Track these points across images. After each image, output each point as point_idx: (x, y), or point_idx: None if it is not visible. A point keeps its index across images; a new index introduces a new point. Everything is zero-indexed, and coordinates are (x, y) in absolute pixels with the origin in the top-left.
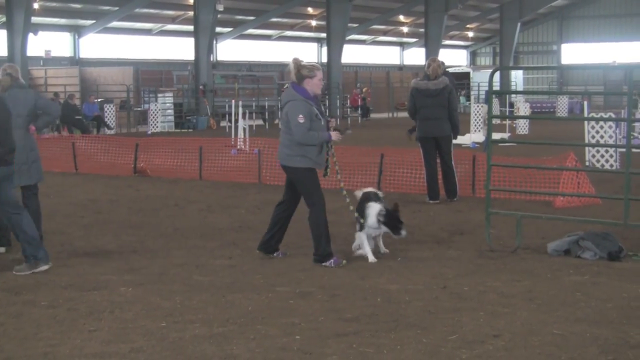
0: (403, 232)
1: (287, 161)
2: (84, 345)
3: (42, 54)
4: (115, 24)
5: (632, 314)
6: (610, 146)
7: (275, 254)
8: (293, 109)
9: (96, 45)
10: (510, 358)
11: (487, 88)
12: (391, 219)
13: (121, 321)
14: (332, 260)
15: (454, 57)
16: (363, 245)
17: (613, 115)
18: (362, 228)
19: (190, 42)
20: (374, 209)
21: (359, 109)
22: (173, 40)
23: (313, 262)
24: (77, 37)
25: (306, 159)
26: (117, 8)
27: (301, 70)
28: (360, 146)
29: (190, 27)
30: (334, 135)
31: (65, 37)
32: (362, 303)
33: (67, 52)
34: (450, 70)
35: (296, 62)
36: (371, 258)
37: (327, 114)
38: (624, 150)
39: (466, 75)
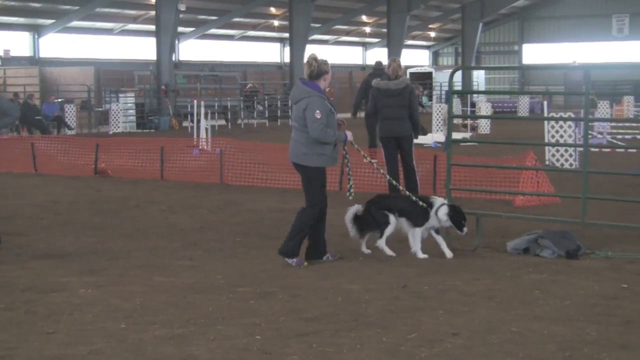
0: (465, 229)
1: (303, 160)
2: (42, 347)
3: (0, 53)
4: (75, 23)
5: (589, 311)
6: (569, 145)
7: (324, 258)
8: (311, 105)
9: (56, 45)
10: (469, 356)
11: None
12: (458, 215)
13: (80, 323)
14: (295, 260)
15: (416, 57)
16: (417, 241)
17: (572, 115)
18: (416, 225)
19: (152, 41)
20: (442, 203)
21: None
22: (135, 40)
23: (277, 252)
24: (36, 36)
25: (324, 157)
26: (77, 7)
27: (321, 66)
28: None
29: (152, 27)
30: (350, 135)
31: (25, 36)
32: (322, 303)
33: (26, 52)
34: (412, 70)
35: (315, 57)
36: (422, 255)
37: (290, 113)
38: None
39: (428, 75)
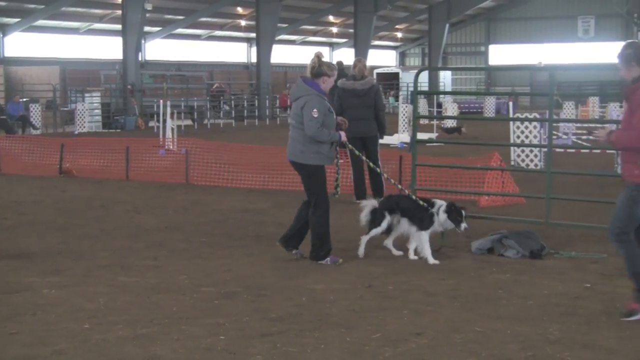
0: (464, 224)
1: (300, 158)
2: (4, 348)
3: None
4: (41, 22)
5: (552, 310)
6: (534, 146)
7: (294, 252)
8: (309, 103)
9: (22, 44)
10: (432, 356)
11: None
12: (455, 213)
13: (43, 323)
14: (329, 259)
15: (383, 58)
16: (426, 246)
17: (538, 116)
18: (424, 227)
19: (118, 41)
20: (441, 205)
21: (289, 109)
22: (101, 40)
23: (310, 259)
24: (1, 35)
25: (320, 156)
26: (43, 6)
27: (322, 66)
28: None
29: (118, 26)
30: (343, 135)
31: None
32: (287, 303)
33: None
34: (379, 70)
35: (320, 56)
36: (433, 260)
37: (257, 114)
38: None
39: (395, 76)
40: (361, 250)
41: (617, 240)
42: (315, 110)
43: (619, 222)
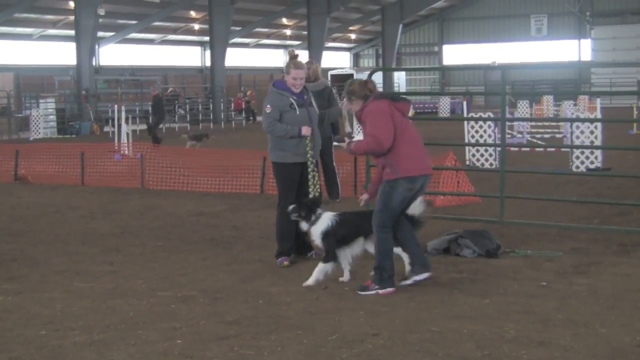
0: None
1: (269, 155)
2: None
3: None
4: None
5: (508, 309)
6: (488, 145)
7: (309, 254)
8: (265, 99)
9: None
10: (389, 356)
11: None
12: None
13: None
14: (278, 260)
15: (337, 59)
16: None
17: (492, 115)
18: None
19: (72, 46)
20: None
21: (243, 112)
22: (54, 45)
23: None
24: None
25: (285, 153)
26: None
27: (287, 64)
28: (243, 149)
29: (72, 32)
30: (305, 130)
31: None
32: (243, 306)
33: None
34: (333, 72)
35: (290, 54)
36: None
37: (212, 117)
38: None
39: (350, 77)
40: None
41: (377, 231)
42: (268, 105)
43: (379, 213)
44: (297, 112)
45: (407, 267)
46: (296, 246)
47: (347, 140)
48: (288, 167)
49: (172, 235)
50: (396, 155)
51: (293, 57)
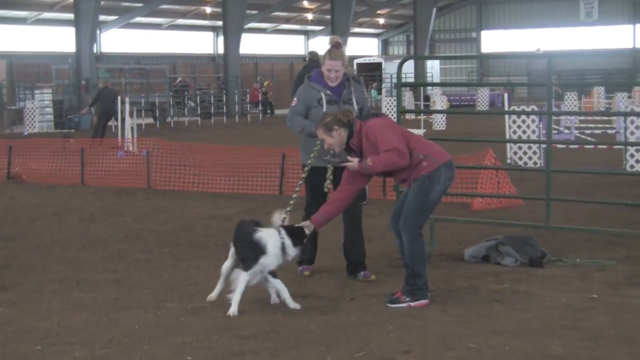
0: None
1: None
2: None
3: None
4: None
5: (554, 324)
6: (532, 142)
7: (359, 275)
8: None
9: None
10: None
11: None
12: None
13: None
14: (301, 268)
15: (364, 47)
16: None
17: (536, 109)
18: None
19: (70, 32)
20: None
21: (260, 104)
22: (51, 30)
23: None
24: None
25: (304, 154)
26: None
27: (323, 55)
28: (260, 145)
29: (71, 15)
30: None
31: None
32: (260, 319)
33: None
34: (360, 61)
35: (330, 41)
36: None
37: (225, 110)
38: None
39: (377, 66)
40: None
41: (411, 234)
42: (295, 98)
43: (414, 213)
44: (324, 109)
45: None
46: (348, 266)
47: (351, 158)
48: (310, 171)
49: (181, 241)
50: (423, 147)
51: (335, 46)
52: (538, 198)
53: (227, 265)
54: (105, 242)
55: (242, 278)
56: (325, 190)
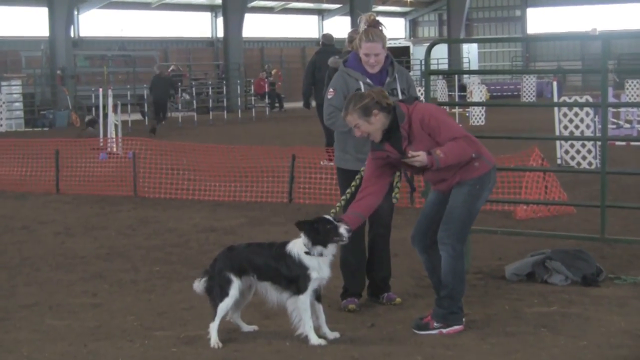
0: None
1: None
2: None
3: None
4: None
5: (612, 353)
6: (585, 139)
7: (381, 297)
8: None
9: None
10: None
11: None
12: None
13: None
14: (345, 301)
15: (389, 28)
16: (305, 317)
17: (590, 99)
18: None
19: (43, 12)
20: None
21: (267, 96)
22: (20, 11)
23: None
24: None
25: (345, 156)
26: None
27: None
28: (266, 145)
29: None
30: None
31: None
32: (265, 349)
33: None
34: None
35: (365, 19)
36: (317, 339)
37: (225, 104)
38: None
39: (405, 51)
40: (214, 339)
41: (452, 248)
42: (330, 89)
43: (458, 223)
44: None
45: None
46: (369, 286)
47: (409, 152)
48: (347, 174)
49: (173, 258)
50: (475, 144)
51: (373, 25)
52: (592, 205)
53: (228, 303)
54: (84, 260)
55: (302, 302)
56: (394, 201)
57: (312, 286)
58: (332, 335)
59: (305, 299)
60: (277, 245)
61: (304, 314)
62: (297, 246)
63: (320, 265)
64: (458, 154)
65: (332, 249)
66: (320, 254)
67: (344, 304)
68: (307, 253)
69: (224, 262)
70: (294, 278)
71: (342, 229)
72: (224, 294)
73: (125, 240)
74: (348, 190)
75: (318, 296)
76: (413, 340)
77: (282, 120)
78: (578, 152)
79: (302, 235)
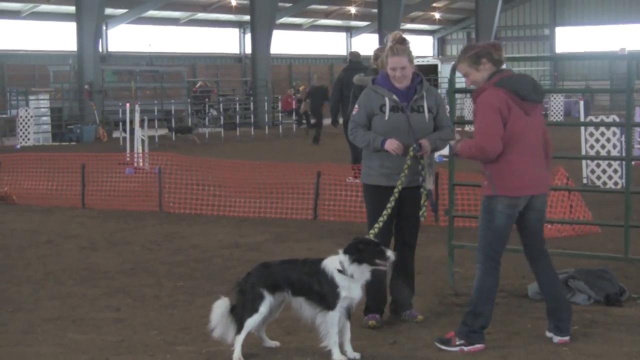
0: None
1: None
2: None
3: None
4: None
5: None
6: (611, 159)
7: (404, 314)
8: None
9: None
10: None
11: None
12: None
13: None
14: (367, 317)
15: (417, 46)
16: (332, 331)
17: (617, 119)
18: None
19: (71, 27)
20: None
21: (294, 113)
22: (49, 25)
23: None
24: None
25: (370, 171)
26: None
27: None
28: (292, 162)
29: (72, 8)
30: (389, 143)
31: None
32: None
33: None
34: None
35: (392, 37)
36: (340, 355)
37: (252, 120)
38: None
39: (433, 69)
40: (237, 353)
41: (481, 265)
42: (356, 106)
43: (482, 239)
44: (386, 117)
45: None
46: (391, 303)
47: (456, 137)
48: (371, 190)
49: (197, 273)
50: (500, 165)
51: (399, 42)
52: (616, 225)
53: (256, 320)
54: (108, 274)
55: (331, 317)
56: (422, 219)
57: (341, 304)
58: (353, 355)
59: (334, 315)
60: (312, 261)
61: (332, 328)
62: (332, 263)
63: (350, 286)
64: (466, 152)
65: (366, 273)
66: (352, 276)
67: (365, 320)
68: (340, 272)
69: (257, 278)
70: (324, 294)
71: (389, 253)
72: (254, 309)
73: (149, 255)
74: (385, 212)
75: (348, 315)
76: (434, 359)
77: (309, 138)
78: (604, 171)
79: (340, 252)
